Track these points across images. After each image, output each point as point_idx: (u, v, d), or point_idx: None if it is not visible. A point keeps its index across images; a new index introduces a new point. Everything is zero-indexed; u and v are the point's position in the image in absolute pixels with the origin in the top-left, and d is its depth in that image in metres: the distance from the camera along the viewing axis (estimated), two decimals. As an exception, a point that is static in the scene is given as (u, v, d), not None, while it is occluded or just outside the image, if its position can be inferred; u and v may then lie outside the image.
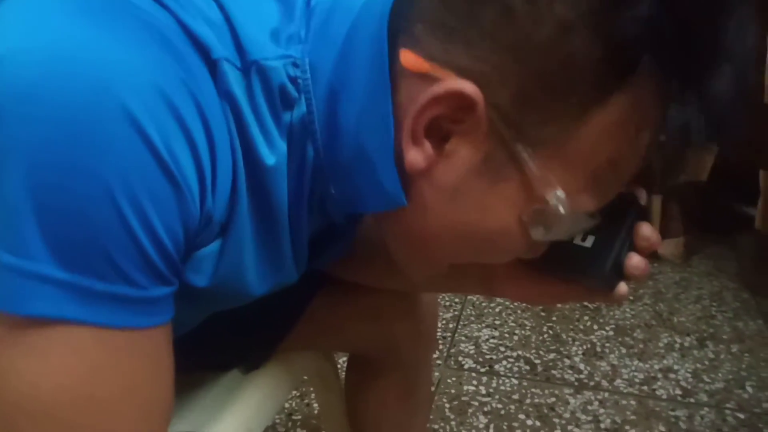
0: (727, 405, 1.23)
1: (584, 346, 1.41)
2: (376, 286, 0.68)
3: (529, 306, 1.55)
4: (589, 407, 1.23)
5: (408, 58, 0.38)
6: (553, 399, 1.26)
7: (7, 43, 0.33)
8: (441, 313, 1.54)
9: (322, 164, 0.42)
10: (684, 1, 0.35)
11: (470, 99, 0.36)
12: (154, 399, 0.38)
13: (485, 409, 1.24)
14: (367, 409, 0.82)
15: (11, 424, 0.34)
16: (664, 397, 1.26)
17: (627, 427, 1.18)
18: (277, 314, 0.67)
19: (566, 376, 1.32)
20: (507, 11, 0.35)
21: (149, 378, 0.37)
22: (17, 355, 0.33)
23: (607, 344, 1.42)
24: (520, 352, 1.40)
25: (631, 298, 1.58)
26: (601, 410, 1.22)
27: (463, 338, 1.45)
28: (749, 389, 1.27)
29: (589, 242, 0.46)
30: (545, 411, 1.23)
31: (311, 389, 1.26)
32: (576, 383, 1.30)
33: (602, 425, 1.19)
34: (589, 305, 1.55)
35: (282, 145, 0.41)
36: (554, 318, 1.51)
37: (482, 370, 1.35)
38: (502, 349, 1.41)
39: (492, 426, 1.19)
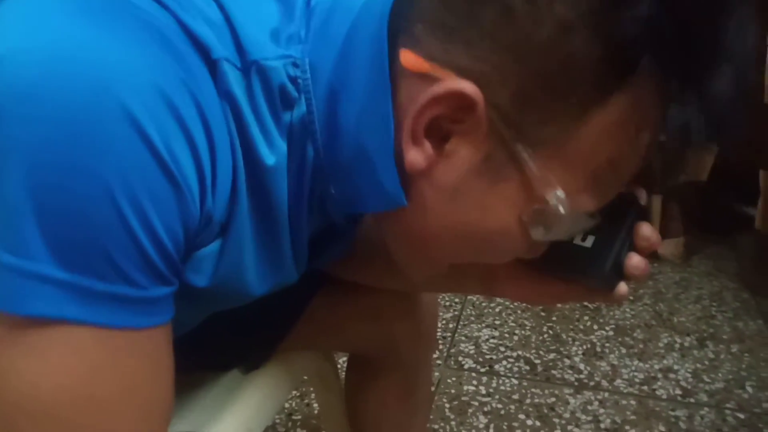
0: (727, 405, 1.23)
1: (584, 346, 1.41)
2: (376, 286, 0.68)
3: (529, 306, 1.55)
4: (589, 407, 1.23)
5: (408, 58, 0.38)
6: (553, 399, 1.26)
7: (7, 43, 0.33)
8: (441, 313, 1.54)
9: (322, 164, 0.42)
10: (684, 1, 0.35)
11: (470, 99, 0.36)
12: (154, 399, 0.38)
13: (485, 409, 1.24)
14: (367, 409, 0.82)
15: (11, 424, 0.34)
16: (664, 397, 1.26)
17: (627, 427, 1.18)
18: (276, 314, 0.67)
19: (566, 376, 1.32)
20: (507, 11, 0.35)
21: (149, 378, 0.37)
22: (17, 355, 0.33)
23: (607, 344, 1.42)
24: (520, 352, 1.40)
25: (631, 298, 1.58)
26: (601, 410, 1.22)
27: (463, 338, 1.45)
28: (749, 389, 1.27)
29: (589, 242, 0.46)
30: (545, 411, 1.23)
31: (311, 389, 1.26)
32: (576, 383, 1.30)
33: (602, 425, 1.19)
34: (589, 305, 1.55)
35: (282, 145, 0.41)
36: (554, 318, 1.51)
37: (482, 370, 1.35)
38: (502, 349, 1.41)
39: (492, 426, 1.19)
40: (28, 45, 0.32)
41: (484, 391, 1.28)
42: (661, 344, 1.41)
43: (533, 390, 1.28)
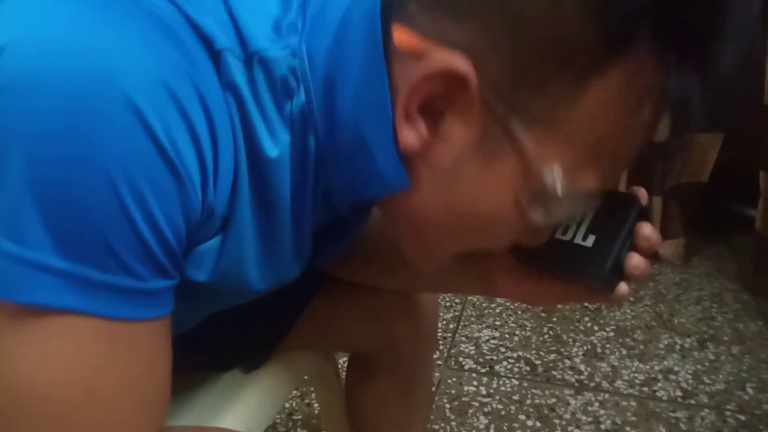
0: (728, 406, 1.23)
1: (585, 347, 1.41)
2: (375, 286, 0.68)
3: (529, 307, 1.55)
4: (590, 408, 1.23)
5: (400, 35, 0.37)
6: (554, 400, 1.26)
7: (9, 35, 0.33)
8: (441, 314, 1.54)
9: (323, 153, 0.42)
10: None
11: (462, 76, 0.35)
12: (151, 392, 0.38)
13: (486, 409, 1.24)
14: (367, 409, 0.82)
15: (7, 412, 0.34)
16: (665, 398, 1.25)
17: (627, 428, 1.18)
18: (277, 313, 0.67)
19: (567, 377, 1.32)
20: None
21: (147, 370, 0.37)
22: (16, 342, 0.33)
23: (608, 345, 1.42)
24: (520, 353, 1.40)
25: (632, 299, 1.58)
26: (602, 411, 1.22)
27: (463, 339, 1.45)
28: (750, 391, 1.27)
29: (589, 242, 0.46)
30: (545, 412, 1.23)
31: (312, 389, 1.26)
32: (576, 384, 1.30)
33: (602, 426, 1.19)
34: (590, 306, 1.55)
35: (285, 137, 0.40)
36: (555, 319, 1.51)
37: (483, 370, 1.35)
38: (503, 349, 1.41)
39: (492, 427, 1.19)
40: (30, 36, 0.32)
41: (484, 392, 1.28)
42: (661, 345, 1.41)
43: (534, 391, 1.28)
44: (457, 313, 1.55)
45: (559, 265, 0.48)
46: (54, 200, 0.32)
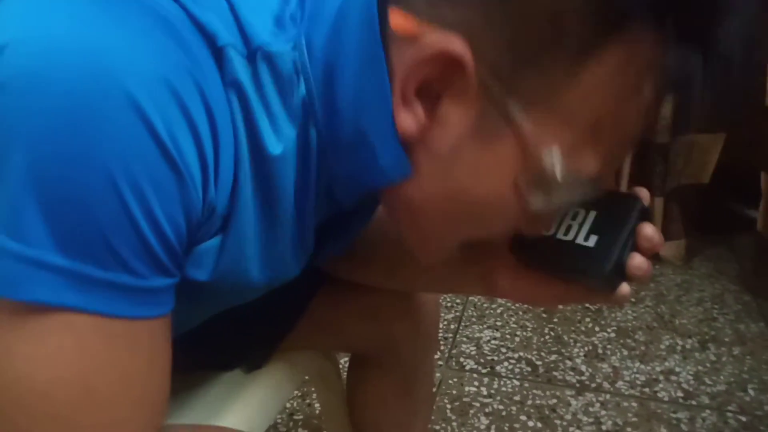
0: (729, 407, 1.23)
1: (586, 348, 1.41)
2: (375, 286, 0.68)
3: (530, 307, 1.55)
4: (591, 409, 1.23)
5: (396, 18, 0.37)
6: (555, 400, 1.26)
7: (10, 33, 0.33)
8: (442, 314, 1.54)
9: (325, 145, 0.42)
10: None
11: (458, 58, 0.35)
12: (151, 390, 0.38)
13: (486, 410, 1.24)
14: (367, 408, 0.82)
15: (7, 410, 0.34)
16: (666, 399, 1.25)
17: (628, 429, 1.18)
18: (278, 313, 0.67)
19: (568, 378, 1.32)
20: None
21: (146, 369, 0.37)
22: (15, 340, 0.33)
23: (609, 346, 1.42)
24: (521, 354, 1.40)
25: (633, 300, 1.58)
26: (603, 412, 1.22)
27: (464, 339, 1.45)
28: (751, 392, 1.27)
29: (591, 242, 0.46)
30: (546, 412, 1.23)
31: (313, 389, 1.26)
32: (577, 385, 1.30)
33: (603, 427, 1.19)
34: (591, 307, 1.55)
35: (291, 132, 0.40)
36: (556, 319, 1.51)
37: (483, 371, 1.35)
38: (504, 350, 1.41)
39: (493, 427, 1.19)
40: (31, 35, 0.32)
41: (485, 392, 1.28)
42: (662, 346, 1.41)
43: (534, 391, 1.28)
44: (458, 314, 1.55)
45: (561, 265, 0.48)
46: (55, 198, 0.32)
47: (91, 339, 0.34)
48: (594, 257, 0.46)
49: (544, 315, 1.53)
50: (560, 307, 1.53)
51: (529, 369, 1.35)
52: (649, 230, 0.46)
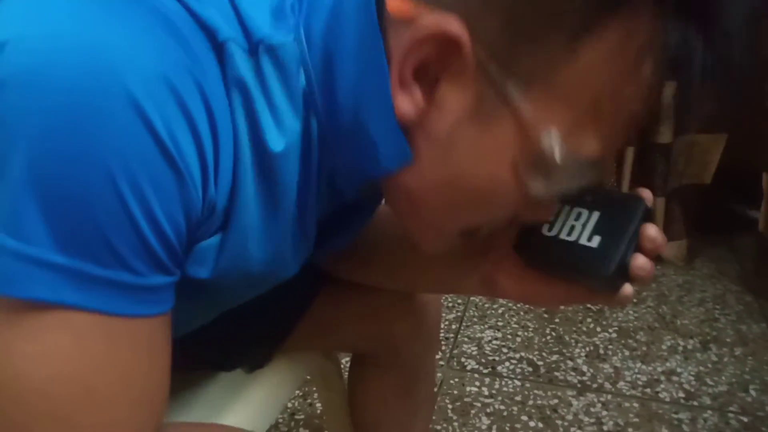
0: (730, 408, 1.23)
1: (587, 348, 1.41)
2: (376, 286, 0.68)
3: (532, 307, 1.55)
4: (592, 409, 1.23)
5: (393, 1, 0.37)
6: (556, 401, 1.26)
7: (10, 30, 0.33)
8: (444, 314, 1.54)
9: (325, 134, 0.41)
10: None
11: (455, 38, 0.35)
12: (150, 389, 0.37)
13: (488, 410, 1.24)
14: (368, 408, 0.82)
15: (4, 406, 0.34)
16: (667, 399, 1.25)
17: (630, 430, 1.18)
18: (279, 313, 0.67)
19: (569, 378, 1.32)
20: None
21: (145, 367, 0.37)
22: (14, 337, 0.33)
23: (610, 346, 1.41)
24: (522, 354, 1.40)
25: (634, 300, 1.58)
26: (604, 412, 1.22)
27: (465, 339, 1.45)
28: (752, 392, 1.27)
29: (594, 242, 0.46)
30: (548, 413, 1.22)
31: (314, 389, 1.26)
32: (579, 385, 1.30)
33: (605, 427, 1.18)
34: (592, 307, 1.55)
35: (295, 124, 0.40)
36: (557, 320, 1.51)
37: (485, 371, 1.35)
38: (505, 350, 1.41)
39: (494, 427, 1.19)
40: (31, 32, 0.32)
41: (486, 393, 1.28)
42: (664, 347, 1.41)
43: (536, 392, 1.28)
44: (459, 314, 1.55)
45: (563, 265, 0.48)
46: (54, 196, 0.32)
47: (90, 337, 0.34)
48: (597, 258, 0.46)
49: (545, 315, 1.53)
50: (562, 307, 1.53)
51: (530, 369, 1.35)
52: (652, 231, 0.46)
